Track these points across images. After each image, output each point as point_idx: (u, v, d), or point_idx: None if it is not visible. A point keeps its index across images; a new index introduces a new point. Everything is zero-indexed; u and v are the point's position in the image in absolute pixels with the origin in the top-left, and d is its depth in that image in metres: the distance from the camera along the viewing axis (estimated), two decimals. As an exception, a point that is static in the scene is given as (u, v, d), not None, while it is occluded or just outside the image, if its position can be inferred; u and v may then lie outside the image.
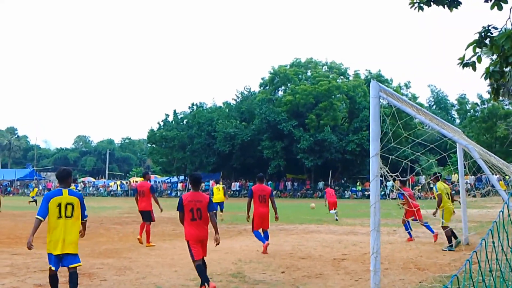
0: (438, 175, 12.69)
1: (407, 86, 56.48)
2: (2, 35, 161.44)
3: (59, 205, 6.24)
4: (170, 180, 61.65)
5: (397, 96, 6.90)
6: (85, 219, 6.65)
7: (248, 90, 60.89)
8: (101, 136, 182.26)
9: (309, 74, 55.04)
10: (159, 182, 60.41)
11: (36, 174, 74.04)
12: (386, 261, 9.13)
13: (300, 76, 54.40)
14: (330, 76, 52.15)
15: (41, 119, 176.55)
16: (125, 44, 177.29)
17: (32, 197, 35.36)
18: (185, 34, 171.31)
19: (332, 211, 20.12)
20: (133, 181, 64.56)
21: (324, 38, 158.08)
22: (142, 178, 14.60)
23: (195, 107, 63.10)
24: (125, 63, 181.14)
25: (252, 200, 10.99)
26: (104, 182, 68.55)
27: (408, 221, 12.88)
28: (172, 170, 62.21)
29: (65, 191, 6.39)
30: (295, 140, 48.15)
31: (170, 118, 61.64)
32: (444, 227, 11.40)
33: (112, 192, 58.58)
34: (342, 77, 54.46)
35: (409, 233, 13.08)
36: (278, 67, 54.48)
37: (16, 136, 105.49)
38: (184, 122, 60.88)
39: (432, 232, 12.66)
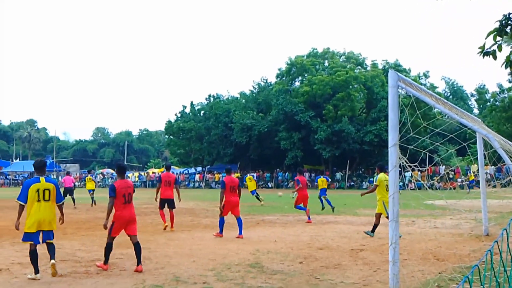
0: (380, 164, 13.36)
1: (425, 76, 55.89)
2: (22, 27, 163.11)
3: (38, 191, 7.24)
4: (188, 171, 62.00)
5: (416, 85, 6.81)
6: (61, 202, 7.71)
7: (265, 81, 60.82)
8: (119, 128, 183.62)
9: (326, 64, 54.69)
10: (176, 173, 60.75)
11: (56, 165, 74.90)
12: (405, 252, 9.09)
13: (317, 66, 54.08)
14: (348, 67, 51.72)
15: (60, 111, 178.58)
16: (143, 36, 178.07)
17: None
18: (203, 25, 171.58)
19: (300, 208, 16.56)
20: (151, 172, 65.08)
21: (341, 28, 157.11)
22: (163, 169, 15.45)
23: (212, 98, 63.25)
24: (143, 55, 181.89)
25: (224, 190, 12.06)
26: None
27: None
28: (190, 161, 62.54)
29: (42, 179, 7.40)
30: (312, 131, 48.00)
31: (187, 110, 61.88)
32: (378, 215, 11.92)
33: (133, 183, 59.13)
34: (359, 67, 54.10)
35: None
36: (295, 57, 54.22)
37: (36, 128, 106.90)
38: (201, 114, 61.07)
39: (308, 218, 15.65)
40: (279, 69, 56.34)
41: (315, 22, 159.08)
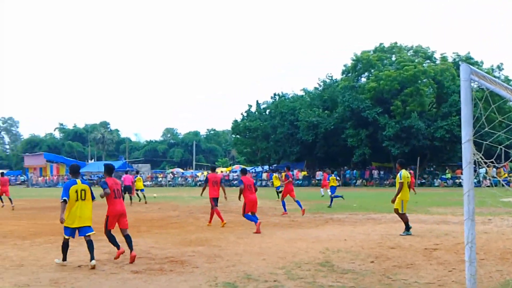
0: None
1: (499, 68, 53.32)
2: (92, 32, 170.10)
3: (76, 191, 8.29)
4: (255, 170, 62.42)
5: (490, 78, 6.52)
6: (93, 199, 8.75)
7: (330, 78, 60.21)
8: (187, 128, 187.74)
9: (393, 59, 53.30)
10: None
11: (128, 165, 77.54)
12: (481, 252, 8.76)
13: (384, 61, 52.83)
14: (416, 61, 50.16)
15: (132, 113, 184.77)
16: (207, 37, 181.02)
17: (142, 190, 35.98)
18: (267, 24, 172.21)
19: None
20: (219, 171, 66.07)
21: (408, 22, 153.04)
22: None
23: (277, 97, 63.38)
24: (209, 56, 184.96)
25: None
26: (192, 172, 70.63)
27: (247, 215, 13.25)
28: (256, 160, 62.95)
29: (78, 181, 8.50)
30: (380, 128, 47.05)
31: (253, 109, 62.30)
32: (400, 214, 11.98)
33: (200, 182, 60.09)
34: (428, 61, 52.36)
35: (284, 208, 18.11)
36: (361, 53, 53.25)
37: (109, 130, 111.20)
38: (267, 112, 61.30)
39: (301, 207, 17.40)
40: (345, 65, 55.58)
41: (381, 16, 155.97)
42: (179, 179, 63.63)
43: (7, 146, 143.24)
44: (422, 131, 45.25)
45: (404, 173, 11.85)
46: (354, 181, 49.42)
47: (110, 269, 7.99)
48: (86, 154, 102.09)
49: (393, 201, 12.04)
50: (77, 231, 8.32)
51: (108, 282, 7.00)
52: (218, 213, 14.54)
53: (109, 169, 9.56)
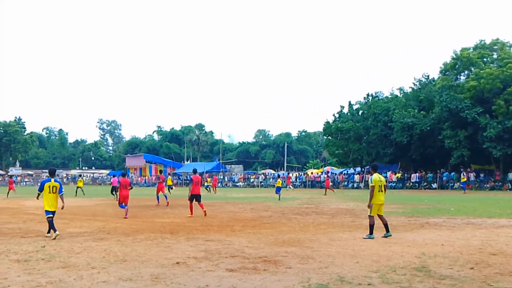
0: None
1: None
2: (183, 43, 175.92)
3: (49, 186, 12.21)
4: (347, 171, 61.62)
5: None
6: (61, 194, 12.43)
7: (426, 77, 58.12)
8: (279, 130, 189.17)
9: (495, 56, 50.43)
10: (335, 173, 60.71)
11: (222, 166, 79.44)
12: None
13: (485, 59, 50.06)
14: (520, 58, 47.20)
15: (225, 115, 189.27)
16: (300, 39, 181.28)
17: (169, 186, 38.26)
18: (357, 22, 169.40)
19: None
20: (310, 172, 65.90)
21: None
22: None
23: (370, 97, 62.19)
24: (301, 58, 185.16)
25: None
26: (283, 173, 70.97)
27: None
28: (348, 161, 62.07)
29: (52, 180, 12.30)
30: (480, 128, 44.62)
31: (345, 110, 61.57)
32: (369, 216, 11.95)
33: (291, 184, 60.38)
34: (534, 57, 49.04)
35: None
36: (461, 50, 50.84)
37: (204, 132, 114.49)
38: (360, 113, 60.32)
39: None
40: (443, 64, 53.40)
41: (482, 11, 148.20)
42: (271, 180, 64.16)
43: (110, 148, 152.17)
44: (528, 131, 42.42)
45: (375, 176, 11.90)
46: (452, 183, 47.27)
47: (206, 266, 8.24)
48: (182, 155, 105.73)
49: (369, 206, 12.02)
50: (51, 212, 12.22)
51: (205, 279, 7.23)
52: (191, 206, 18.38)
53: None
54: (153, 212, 20.25)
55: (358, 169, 59.16)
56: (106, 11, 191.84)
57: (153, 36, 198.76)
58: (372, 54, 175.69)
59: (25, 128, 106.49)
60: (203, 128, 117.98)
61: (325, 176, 51.97)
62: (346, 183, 55.98)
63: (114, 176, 41.41)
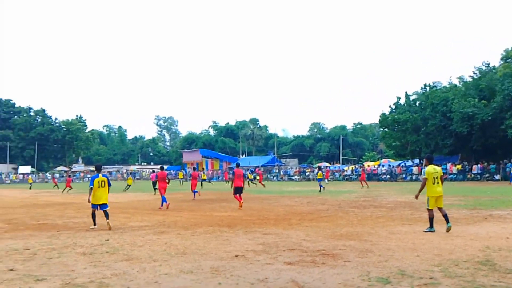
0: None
1: None
2: (237, 40, 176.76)
3: (98, 181, 13.32)
4: (405, 163, 60.34)
5: None
6: (109, 186, 13.63)
7: (487, 65, 55.99)
8: (334, 123, 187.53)
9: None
10: (392, 166, 59.60)
11: (277, 160, 79.54)
12: None
13: (550, 43, 47.76)
14: None
15: (279, 109, 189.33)
16: (353, 31, 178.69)
17: (204, 180, 39.81)
18: (414, 12, 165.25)
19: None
20: (367, 165, 64.96)
21: None
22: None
23: (428, 87, 60.56)
24: (352, 50, 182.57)
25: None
26: (339, 166, 70.32)
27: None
28: (406, 153, 60.73)
29: (100, 175, 13.47)
30: (547, 117, 42.61)
31: (402, 101, 60.25)
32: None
33: (347, 177, 59.77)
34: None
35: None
36: (523, 36, 48.75)
37: (258, 126, 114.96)
38: (417, 104, 58.84)
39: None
40: (505, 50, 51.32)
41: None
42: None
43: (168, 143, 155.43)
44: None
45: (429, 168, 11.52)
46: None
47: (265, 259, 8.30)
48: (237, 149, 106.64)
49: (416, 197, 12.03)
50: (98, 206, 13.32)
51: (264, 272, 7.28)
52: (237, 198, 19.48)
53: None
54: (211, 206, 20.56)
55: (417, 161, 57.77)
56: (162, 8, 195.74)
57: (206, 33, 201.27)
58: (429, 43, 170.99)
59: (86, 126, 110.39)
60: (258, 122, 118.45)
61: (360, 169, 51.21)
62: (404, 175, 54.82)
63: (153, 172, 43.15)
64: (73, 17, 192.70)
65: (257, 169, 59.93)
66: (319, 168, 42.45)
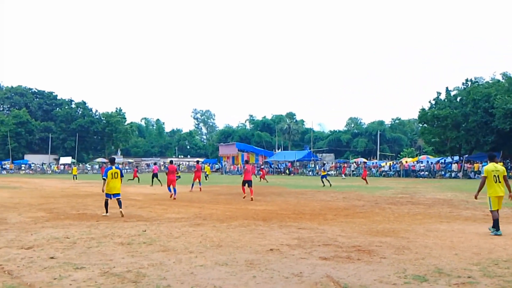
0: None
1: None
2: (272, 35, 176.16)
3: (112, 173, 14.37)
4: (444, 160, 59.15)
5: None
6: (122, 177, 14.72)
7: (533, 59, 54.24)
8: (372, 118, 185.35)
9: None
10: (431, 162, 58.53)
11: (313, 155, 79.14)
12: None
13: None
14: None
15: (316, 104, 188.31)
16: (391, 25, 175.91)
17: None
18: (456, 8, 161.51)
19: None
20: (405, 161, 63.97)
21: None
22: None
23: (469, 83, 59.13)
24: (392, 44, 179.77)
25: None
26: (376, 162, 69.46)
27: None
28: (446, 150, 59.48)
29: (113, 167, 14.51)
30: None
31: (442, 96, 58.99)
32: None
33: (384, 173, 59.02)
34: None
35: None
36: None
37: (294, 120, 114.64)
38: (458, 100, 57.51)
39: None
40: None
41: None
42: (363, 169, 62.93)
43: (204, 137, 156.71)
44: None
45: (489, 166, 10.95)
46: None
47: (300, 254, 8.29)
48: (273, 144, 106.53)
49: (476, 197, 11.46)
50: (112, 196, 14.47)
51: (298, 266, 7.28)
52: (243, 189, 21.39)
53: (170, 162, 22.91)
54: (246, 200, 20.65)
55: (456, 158, 56.56)
56: (200, 1, 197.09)
57: (244, 27, 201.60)
58: (472, 37, 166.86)
59: (125, 118, 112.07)
60: (294, 116, 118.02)
61: (363, 166, 50.69)
62: (443, 172, 53.75)
63: (155, 164, 49.79)
64: (113, 12, 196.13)
65: (261, 168, 60.14)
66: (323, 164, 43.42)
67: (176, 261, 7.64)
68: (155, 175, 35.60)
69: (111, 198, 14.51)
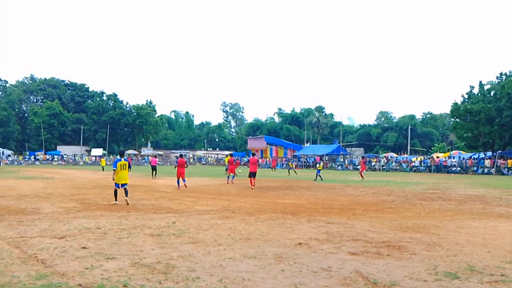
0: None
1: None
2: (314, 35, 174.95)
3: (121, 165, 15.72)
4: (478, 156, 57.99)
5: None
6: (129, 169, 16.19)
7: None
8: (402, 112, 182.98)
9: None
10: (463, 158, 57.47)
11: (342, 149, 78.60)
12: None
13: None
14: None
15: (346, 97, 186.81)
16: (424, 17, 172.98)
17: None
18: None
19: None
20: (436, 156, 62.95)
21: None
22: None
23: (503, 76, 57.75)
24: (424, 37, 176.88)
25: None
26: (406, 157, 68.57)
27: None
28: (478, 145, 58.30)
29: (122, 159, 15.90)
30: None
31: (475, 90, 57.78)
32: None
33: (415, 168, 58.23)
34: None
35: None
36: None
37: (324, 114, 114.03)
38: (491, 94, 56.24)
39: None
40: None
41: None
42: (393, 164, 62.27)
43: (233, 130, 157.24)
44: None
45: None
46: None
47: (328, 248, 8.25)
48: (302, 137, 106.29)
49: None
50: (120, 185, 15.72)
51: (327, 261, 7.25)
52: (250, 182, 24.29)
53: (180, 157, 24.74)
54: (275, 193, 20.64)
55: (489, 153, 55.39)
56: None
57: (272, 21, 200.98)
58: (506, 31, 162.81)
59: (155, 111, 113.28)
60: (323, 110, 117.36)
61: (360, 160, 49.38)
62: (475, 168, 52.73)
63: (155, 157, 50.72)
64: (144, 6, 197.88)
65: (270, 158, 60.13)
66: (320, 158, 43.15)
67: (205, 253, 7.69)
68: (153, 168, 37.46)
69: (119, 188, 15.84)
